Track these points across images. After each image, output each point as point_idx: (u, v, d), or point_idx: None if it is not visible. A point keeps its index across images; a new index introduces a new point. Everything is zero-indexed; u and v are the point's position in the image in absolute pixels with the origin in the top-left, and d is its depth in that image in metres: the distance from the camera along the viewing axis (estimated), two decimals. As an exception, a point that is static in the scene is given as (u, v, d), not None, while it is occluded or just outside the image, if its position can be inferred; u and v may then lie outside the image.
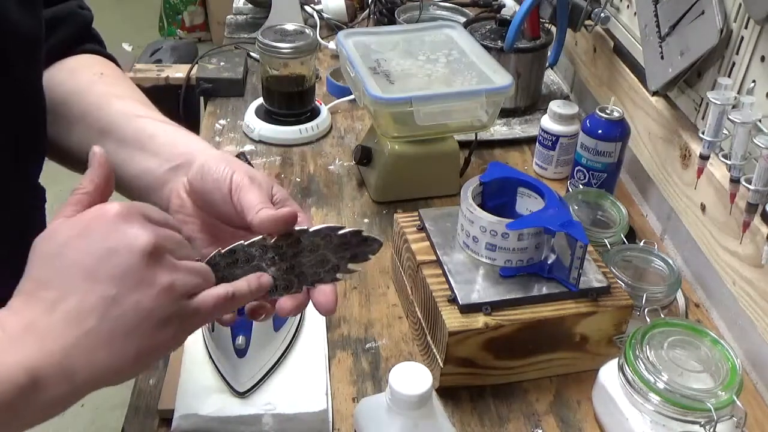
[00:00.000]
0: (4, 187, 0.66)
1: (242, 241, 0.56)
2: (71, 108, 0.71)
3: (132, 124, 0.68)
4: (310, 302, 0.60)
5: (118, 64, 0.80)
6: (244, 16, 1.74)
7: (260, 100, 1.33)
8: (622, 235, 0.94)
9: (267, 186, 0.61)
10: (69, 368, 0.47)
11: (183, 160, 0.63)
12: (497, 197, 0.88)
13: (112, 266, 0.48)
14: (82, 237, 0.49)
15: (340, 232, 0.58)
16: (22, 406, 0.45)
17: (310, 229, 0.58)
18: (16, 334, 0.46)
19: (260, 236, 0.57)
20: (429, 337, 0.85)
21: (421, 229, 0.91)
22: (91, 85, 0.72)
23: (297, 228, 0.57)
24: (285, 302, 0.58)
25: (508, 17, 1.31)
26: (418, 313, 0.88)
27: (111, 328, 0.48)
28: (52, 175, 0.79)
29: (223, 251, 0.56)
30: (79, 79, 0.73)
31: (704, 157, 0.88)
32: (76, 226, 0.50)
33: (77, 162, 0.72)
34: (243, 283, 0.55)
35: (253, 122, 1.30)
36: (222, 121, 1.35)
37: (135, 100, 0.72)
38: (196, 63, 1.47)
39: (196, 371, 0.81)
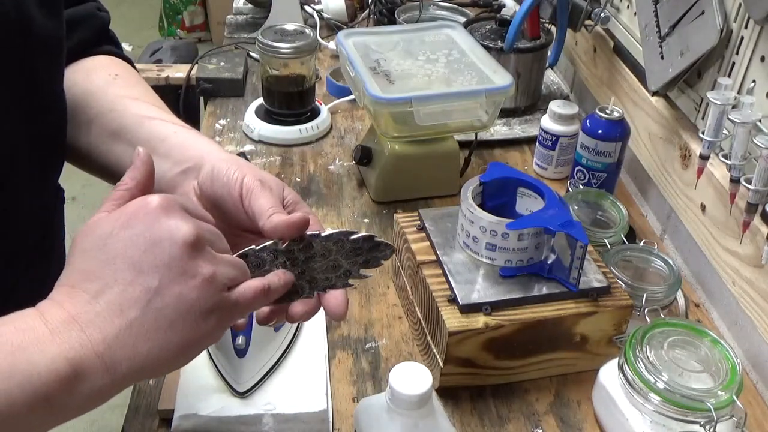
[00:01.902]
0: (26, 187, 0.67)
1: (253, 246, 0.56)
2: (85, 109, 0.71)
3: (144, 126, 0.68)
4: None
5: (134, 66, 0.81)
6: (244, 16, 1.74)
7: (260, 100, 1.33)
8: (622, 235, 0.94)
9: (278, 189, 0.60)
10: (111, 359, 0.47)
11: (193, 164, 0.63)
12: (497, 197, 0.88)
13: (155, 257, 0.48)
14: (125, 229, 0.49)
15: (353, 237, 0.58)
16: (63, 397, 0.46)
17: (322, 234, 0.57)
18: (58, 325, 0.47)
19: (271, 241, 0.56)
20: (429, 337, 0.85)
21: (421, 229, 0.91)
22: (105, 87, 0.73)
23: (309, 233, 0.57)
24: (296, 308, 0.58)
25: (508, 17, 1.31)
26: (418, 313, 0.88)
27: (154, 320, 0.48)
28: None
29: (234, 256, 0.56)
30: (94, 81, 0.73)
31: (704, 157, 0.88)
32: (118, 218, 0.50)
33: (91, 163, 0.73)
34: (274, 277, 0.55)
35: (253, 122, 1.30)
36: (222, 121, 1.36)
37: (148, 102, 0.72)
38: (196, 63, 1.47)
39: (196, 371, 0.81)
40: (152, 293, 0.48)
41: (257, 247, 0.56)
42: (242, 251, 0.56)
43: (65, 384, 0.45)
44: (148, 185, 0.55)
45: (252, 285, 0.53)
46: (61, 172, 0.73)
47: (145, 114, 0.69)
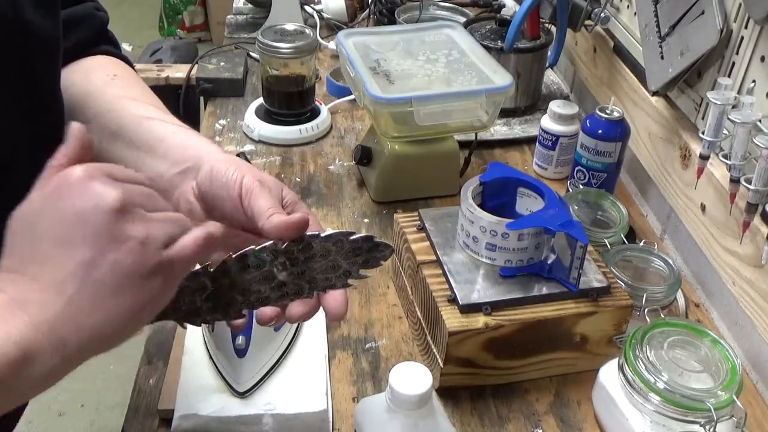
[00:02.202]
0: (26, 188, 0.66)
1: (253, 246, 0.56)
2: (84, 109, 0.71)
3: (142, 126, 0.68)
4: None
5: (132, 66, 0.81)
6: (244, 16, 1.74)
7: (260, 100, 1.33)
8: (622, 235, 0.94)
9: (277, 190, 0.60)
10: (58, 338, 0.47)
11: (191, 164, 0.63)
12: (497, 197, 0.88)
13: (84, 228, 0.47)
14: (50, 204, 0.49)
15: (352, 237, 0.58)
16: (13, 381, 0.45)
17: (322, 235, 0.57)
18: (1, 310, 0.46)
19: (271, 241, 0.56)
20: (429, 337, 0.85)
21: (421, 229, 0.91)
22: (104, 87, 0.73)
23: (308, 233, 0.57)
24: (295, 308, 0.58)
25: (508, 17, 1.31)
26: (418, 313, 0.88)
27: (93, 292, 0.47)
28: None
29: (234, 256, 0.56)
30: (93, 81, 0.73)
31: (704, 157, 0.88)
32: (43, 196, 0.50)
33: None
34: (211, 225, 0.54)
35: (253, 122, 1.30)
36: (222, 121, 1.36)
37: (147, 102, 0.72)
38: (196, 63, 1.47)
39: (196, 371, 0.81)
40: (87, 265, 0.47)
41: (257, 248, 0.56)
42: (242, 252, 0.56)
43: (14, 368, 0.45)
44: (84, 160, 0.53)
45: (191, 237, 0.51)
46: None
47: (143, 114, 0.69)
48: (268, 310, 0.58)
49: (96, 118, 0.70)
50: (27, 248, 0.48)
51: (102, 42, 0.79)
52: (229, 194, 0.59)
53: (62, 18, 0.69)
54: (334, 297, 0.59)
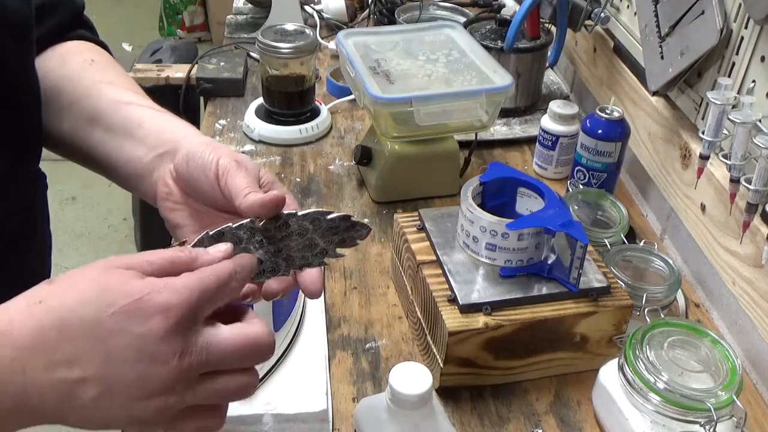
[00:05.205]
0: (3, 173, 0.66)
1: (230, 224, 0.56)
2: (61, 95, 0.71)
3: (120, 111, 0.68)
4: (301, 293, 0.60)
5: (109, 51, 0.80)
6: (244, 16, 1.74)
7: (260, 100, 1.33)
8: (622, 235, 0.94)
9: (254, 169, 0.60)
10: (39, 421, 0.46)
11: (169, 147, 0.63)
12: (497, 197, 0.88)
13: (143, 388, 0.46)
14: (125, 327, 0.46)
15: (329, 216, 0.58)
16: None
17: (299, 213, 0.58)
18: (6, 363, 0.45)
19: (248, 219, 0.57)
20: (429, 337, 0.85)
21: (421, 229, 0.91)
22: (81, 72, 0.72)
23: (286, 212, 0.57)
24: (272, 284, 0.57)
25: (508, 17, 1.31)
26: (418, 313, 0.88)
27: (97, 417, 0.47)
28: (51, 176, 0.78)
29: (211, 233, 0.56)
30: (70, 66, 0.73)
31: (704, 157, 0.88)
32: (135, 312, 0.46)
33: (68, 149, 0.72)
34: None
35: (253, 122, 1.30)
36: (222, 121, 1.36)
37: (124, 87, 0.71)
38: (196, 63, 1.47)
39: (196, 371, 0.81)
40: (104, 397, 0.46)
41: (234, 225, 0.56)
42: (219, 229, 0.56)
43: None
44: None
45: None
46: (40, 155, 0.72)
47: (121, 99, 0.69)
48: (244, 289, 0.58)
49: (74, 104, 0.70)
50: (80, 336, 0.46)
51: (78, 27, 0.78)
52: (206, 175, 0.59)
53: (37, 3, 0.69)
54: (310, 275, 0.58)
